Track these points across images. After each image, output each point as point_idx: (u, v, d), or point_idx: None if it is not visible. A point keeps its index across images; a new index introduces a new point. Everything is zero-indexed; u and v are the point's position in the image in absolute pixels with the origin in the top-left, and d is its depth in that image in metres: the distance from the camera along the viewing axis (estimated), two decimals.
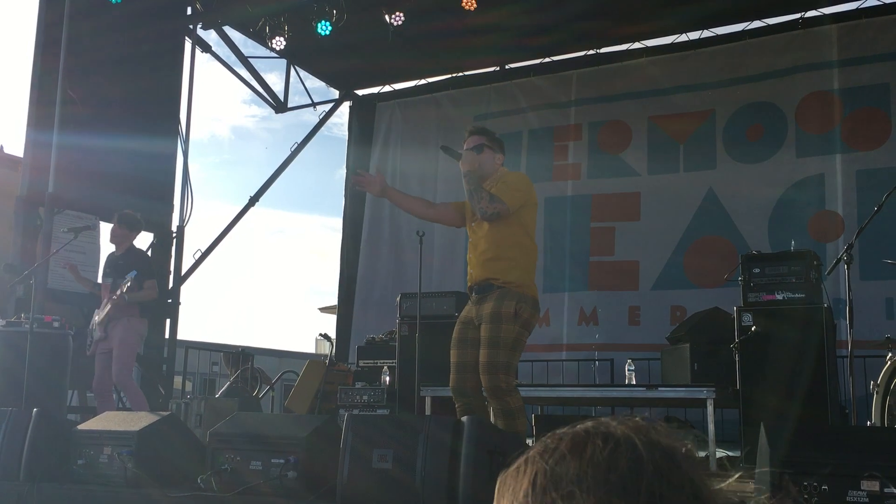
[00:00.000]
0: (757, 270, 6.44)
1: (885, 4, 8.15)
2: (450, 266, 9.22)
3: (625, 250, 8.88)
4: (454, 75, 10.25)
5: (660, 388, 6.60)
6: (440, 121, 10.12)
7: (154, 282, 6.26)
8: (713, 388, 6.18)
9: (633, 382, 6.95)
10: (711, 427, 6.16)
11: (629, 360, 7.17)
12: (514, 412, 4.18)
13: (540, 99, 9.69)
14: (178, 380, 11.60)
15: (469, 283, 4.41)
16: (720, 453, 6.54)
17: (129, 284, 5.82)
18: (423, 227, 6.09)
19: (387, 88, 10.80)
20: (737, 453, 6.25)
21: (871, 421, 4.49)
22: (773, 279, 6.40)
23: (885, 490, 3.06)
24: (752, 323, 6.31)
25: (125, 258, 6.25)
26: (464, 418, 3.67)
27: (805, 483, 3.09)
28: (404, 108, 10.61)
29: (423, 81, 10.49)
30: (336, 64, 10.06)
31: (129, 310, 6.09)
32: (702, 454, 6.57)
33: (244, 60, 9.79)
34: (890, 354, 4.43)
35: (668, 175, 8.86)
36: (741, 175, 8.46)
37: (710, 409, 6.17)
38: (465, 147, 4.47)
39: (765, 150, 8.41)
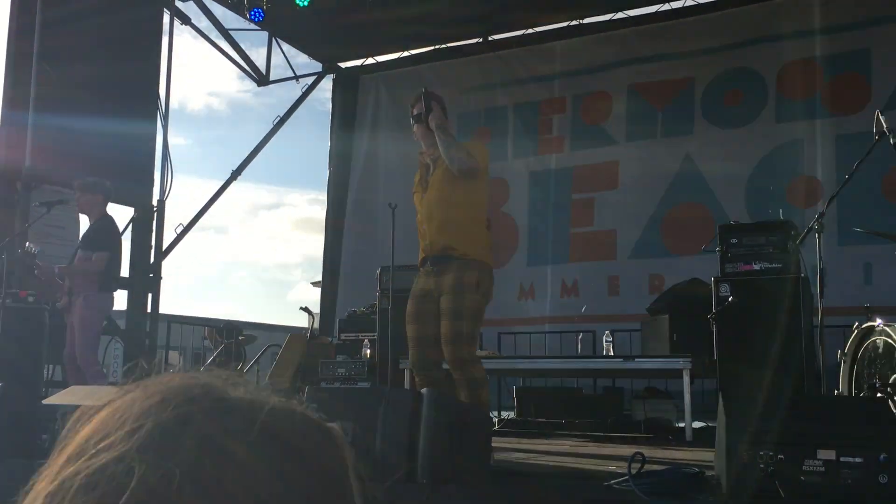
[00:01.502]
0: (734, 241, 6.42)
1: None
2: None
3: (603, 220, 8.88)
4: (437, 47, 10.15)
5: (637, 359, 6.63)
6: None
7: (104, 254, 6.03)
8: (689, 359, 6.20)
9: (611, 354, 6.97)
10: (687, 397, 6.19)
11: (607, 332, 7.18)
12: (477, 382, 4.19)
13: (524, 72, 9.63)
14: (174, 354, 11.64)
15: (424, 255, 4.37)
16: (698, 424, 6.57)
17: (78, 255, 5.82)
18: (396, 198, 6.04)
19: (370, 61, 10.70)
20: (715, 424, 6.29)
21: (838, 390, 4.48)
22: (750, 249, 6.38)
23: (842, 459, 3.07)
24: (729, 293, 6.29)
25: (94, 229, 6.20)
26: (424, 390, 3.67)
27: (761, 452, 3.09)
28: (388, 81, 10.52)
29: (405, 53, 10.39)
30: (318, 36, 9.97)
31: (86, 284, 6.01)
32: (680, 424, 6.61)
33: (224, 32, 9.69)
34: (857, 323, 4.41)
35: (645, 141, 8.83)
36: (718, 140, 8.43)
37: (686, 379, 6.20)
38: (418, 111, 4.43)
39: (743, 115, 8.38)
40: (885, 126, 4.49)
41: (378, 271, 7.62)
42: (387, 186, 9.79)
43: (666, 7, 8.92)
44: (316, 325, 9.80)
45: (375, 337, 7.36)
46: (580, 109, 9.28)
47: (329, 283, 10.49)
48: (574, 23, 9.41)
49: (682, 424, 6.41)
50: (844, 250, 7.35)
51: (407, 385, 6.72)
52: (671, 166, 8.59)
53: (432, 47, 10.20)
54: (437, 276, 4.26)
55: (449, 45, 10.13)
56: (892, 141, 4.49)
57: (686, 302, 6.95)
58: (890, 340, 4.09)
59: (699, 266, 7.09)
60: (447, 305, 4.16)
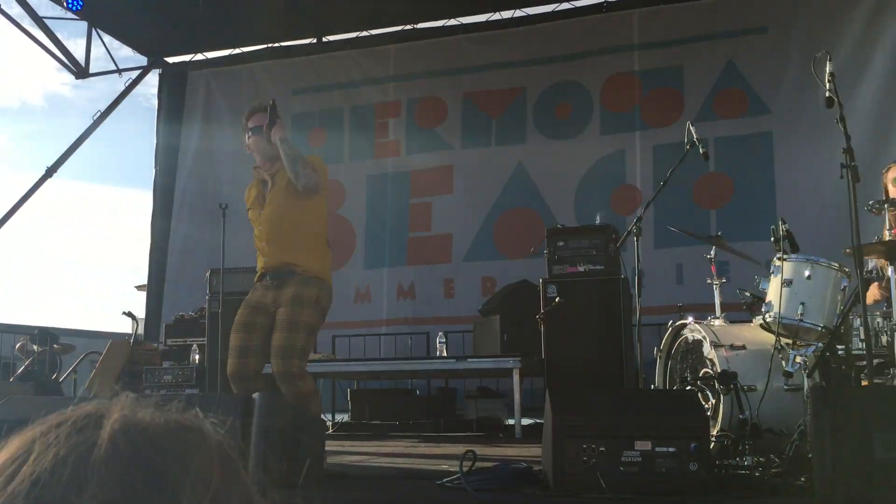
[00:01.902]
0: (561, 243, 6.70)
1: None
2: None
3: (440, 224, 9.00)
4: (271, 45, 9.95)
5: (469, 360, 6.77)
6: (257, 94, 9.83)
7: None
8: (519, 358, 6.40)
9: (445, 354, 7.08)
10: (517, 396, 6.38)
11: (440, 333, 7.29)
12: (306, 396, 4.13)
13: (359, 74, 9.61)
14: None
15: (263, 269, 4.29)
16: (527, 421, 6.79)
17: None
18: (227, 198, 5.86)
19: (199, 57, 10.34)
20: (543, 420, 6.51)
21: (654, 384, 4.76)
22: (575, 252, 6.68)
23: (657, 449, 3.25)
24: (556, 294, 6.56)
25: None
26: (255, 395, 3.58)
27: (584, 445, 3.22)
28: (218, 78, 10.21)
29: (237, 51, 10.12)
30: (143, 29, 9.53)
31: None
32: (510, 422, 6.81)
33: (38, 20, 9.07)
34: (672, 321, 4.70)
35: (480, 149, 9.04)
36: (550, 151, 8.75)
37: (516, 378, 6.39)
38: (257, 123, 4.33)
39: (572, 127, 8.74)
40: (695, 136, 4.81)
41: (208, 274, 7.38)
42: (218, 186, 9.49)
43: (496, 17, 9.17)
44: (140, 330, 9.38)
45: (205, 342, 7.12)
46: (415, 114, 9.38)
47: (154, 287, 10.04)
48: (409, 27, 9.49)
49: (511, 422, 6.60)
50: (659, 253, 7.82)
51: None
52: (504, 173, 8.84)
53: (265, 45, 9.98)
54: (277, 289, 4.19)
55: (282, 44, 9.96)
56: (701, 150, 4.82)
57: (516, 303, 7.17)
58: (699, 337, 4.37)
59: (530, 269, 7.33)
60: (284, 317, 4.09)
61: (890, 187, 4.58)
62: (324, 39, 9.84)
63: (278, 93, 9.67)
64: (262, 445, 3.39)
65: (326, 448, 4.31)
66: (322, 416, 4.54)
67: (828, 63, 3.88)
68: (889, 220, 4.09)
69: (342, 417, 7.52)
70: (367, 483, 3.66)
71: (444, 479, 3.47)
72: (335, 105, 9.65)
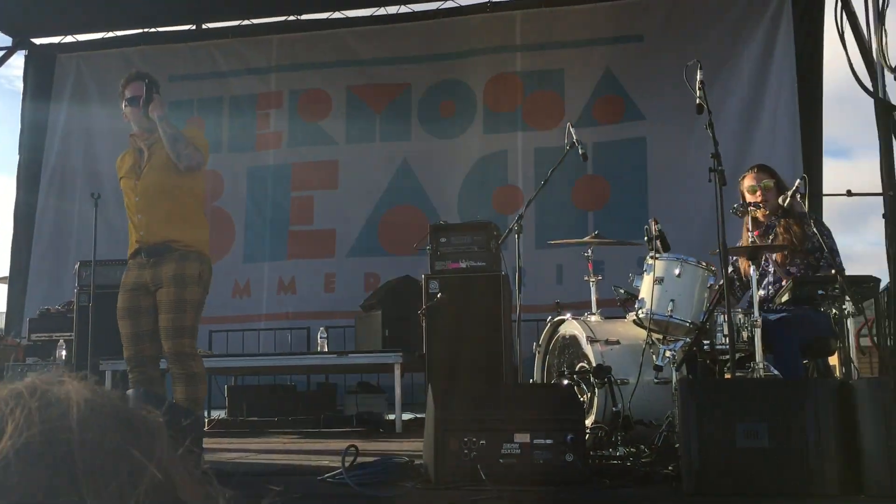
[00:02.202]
0: (444, 240, 6.77)
1: None
2: None
3: (323, 219, 8.91)
4: (146, 30, 9.58)
5: (350, 355, 6.75)
6: None
7: None
8: (400, 353, 6.43)
9: (326, 350, 7.03)
10: (398, 391, 6.41)
11: (322, 328, 7.24)
12: (196, 377, 4.06)
13: (240, 63, 9.38)
14: None
15: (138, 245, 4.15)
16: (408, 416, 6.83)
17: None
18: (99, 187, 5.62)
19: (69, 39, 9.84)
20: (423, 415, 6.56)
21: (533, 378, 4.88)
22: (458, 248, 6.75)
23: (535, 441, 3.34)
24: (438, 290, 6.62)
25: None
26: (129, 390, 3.48)
27: (465, 439, 3.28)
28: (89, 62, 9.75)
29: (110, 34, 9.69)
30: (6, 7, 9.00)
31: None
32: (390, 417, 6.83)
33: None
34: (550, 317, 4.84)
35: (365, 144, 9.00)
36: (434, 148, 8.80)
37: (397, 373, 6.41)
38: (133, 93, 4.19)
39: (456, 126, 8.81)
40: (574, 138, 4.96)
41: (77, 266, 7.06)
42: (88, 175, 9.08)
43: (382, 11, 9.15)
44: (1, 324, 8.89)
45: (73, 337, 6.82)
46: (298, 106, 9.24)
47: (17, 279, 9.50)
48: (292, 18, 9.35)
49: (392, 417, 6.63)
50: (540, 253, 8.01)
51: (109, 386, 6.30)
52: (389, 169, 8.83)
53: (141, 30, 9.61)
54: (154, 267, 4.06)
55: (159, 29, 9.61)
56: (580, 151, 4.97)
57: (398, 298, 7.20)
58: (576, 332, 4.51)
59: (414, 266, 7.37)
60: (168, 298, 3.98)
61: (746, 194, 4.85)
62: (203, 26, 9.56)
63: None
64: None
65: (204, 446, 4.22)
66: (203, 411, 4.44)
67: (698, 71, 4.09)
68: (750, 222, 4.33)
69: (218, 414, 7.35)
70: (247, 480, 3.60)
71: (326, 475, 3.45)
72: (214, 94, 9.39)
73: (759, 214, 4.58)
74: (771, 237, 4.65)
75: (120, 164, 4.35)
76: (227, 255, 8.89)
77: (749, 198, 4.79)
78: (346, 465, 3.30)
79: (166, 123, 4.09)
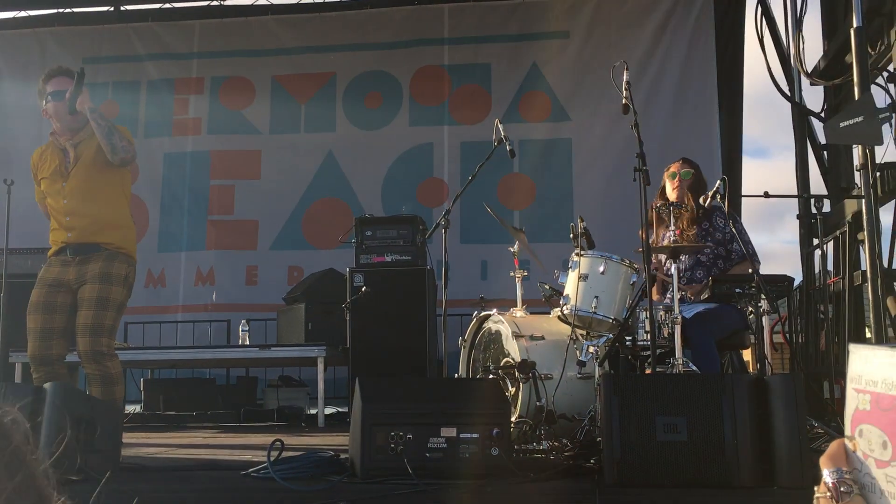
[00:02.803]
0: (369, 233, 6.75)
1: None
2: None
3: (244, 209, 8.75)
4: (61, 11, 9.23)
5: (273, 348, 6.67)
6: (46, 61, 9.11)
7: None
8: (323, 347, 6.39)
9: (248, 343, 6.93)
10: (321, 385, 6.37)
11: (243, 321, 7.13)
12: (113, 378, 3.97)
13: (159, 47, 9.12)
14: None
15: (63, 243, 4.04)
16: (330, 410, 6.79)
17: None
18: (12, 173, 5.39)
19: None
20: (345, 409, 6.53)
21: (458, 373, 4.90)
22: (383, 242, 6.75)
23: (461, 435, 3.36)
24: (363, 283, 6.59)
25: None
26: (47, 385, 3.36)
27: (392, 433, 3.28)
28: (1, 42, 9.35)
29: (22, 14, 9.31)
30: None
31: None
32: (312, 411, 6.78)
33: None
34: (476, 312, 4.87)
35: (289, 135, 8.87)
36: (359, 140, 8.73)
37: (320, 367, 6.37)
38: (57, 87, 4.06)
39: (381, 117, 8.76)
40: (502, 134, 5.00)
41: None
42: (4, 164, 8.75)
43: (307, 0, 9.04)
44: None
45: None
46: (220, 93, 9.04)
47: None
48: (215, 3, 9.15)
49: (314, 411, 6.58)
50: (465, 248, 8.05)
51: (19, 380, 6.08)
52: (314, 161, 8.72)
53: (55, 10, 9.25)
54: (80, 265, 3.97)
55: (75, 10, 9.27)
56: (508, 148, 5.02)
57: (322, 292, 7.14)
58: (501, 328, 4.55)
59: (339, 259, 7.31)
60: (91, 295, 3.89)
61: (666, 182, 4.99)
62: (122, 8, 9.26)
63: (67, 60, 8.99)
64: (55, 437, 3.18)
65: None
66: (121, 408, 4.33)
67: (625, 72, 4.17)
68: (672, 222, 4.44)
69: (134, 408, 7.16)
70: (168, 475, 3.52)
71: (251, 469, 3.40)
72: (130, 78, 9.10)
73: (683, 214, 4.71)
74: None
75: (38, 162, 4.21)
76: (140, 243, 8.61)
77: (669, 184, 4.94)
78: (272, 459, 3.26)
79: (98, 115, 3.99)
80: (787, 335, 6.37)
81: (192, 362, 7.35)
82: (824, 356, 6.12)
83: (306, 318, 7.01)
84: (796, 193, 7.28)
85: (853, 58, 5.08)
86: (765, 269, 4.56)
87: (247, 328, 6.99)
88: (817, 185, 7.23)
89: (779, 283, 4.17)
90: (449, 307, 5.13)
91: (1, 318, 5.28)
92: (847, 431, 0.76)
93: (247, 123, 8.95)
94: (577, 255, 4.36)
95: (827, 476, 0.78)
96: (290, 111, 8.87)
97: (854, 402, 0.75)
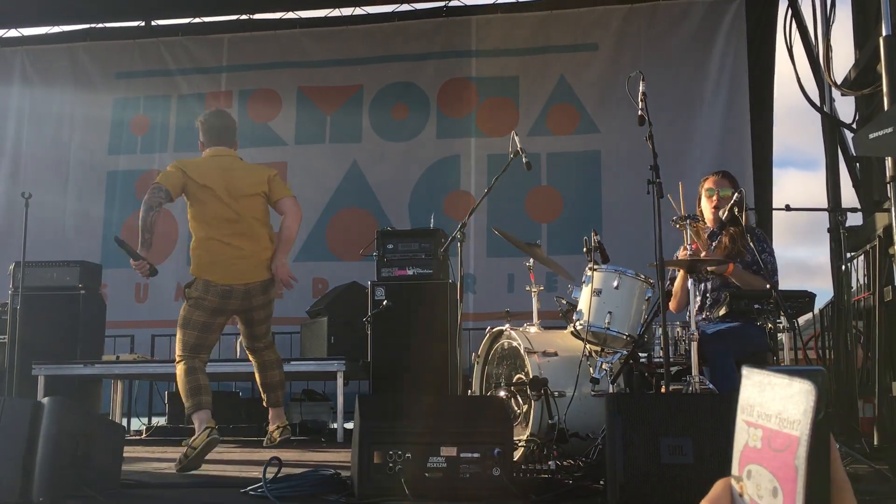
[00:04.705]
0: (391, 246, 6.70)
1: (515, 2, 8.79)
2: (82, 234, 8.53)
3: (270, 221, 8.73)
4: (93, 26, 9.37)
5: (292, 362, 6.61)
6: (77, 75, 9.27)
7: None
8: (343, 361, 6.32)
9: None
10: (340, 398, 6.30)
11: None
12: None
13: (189, 62, 9.21)
14: None
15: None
16: (351, 425, 6.71)
17: None
18: (30, 187, 5.45)
19: (12, 33, 9.59)
20: None
21: (471, 389, 4.80)
22: (405, 255, 6.69)
23: (462, 455, 3.27)
24: (384, 297, 6.54)
25: None
26: (44, 399, 3.36)
27: (391, 452, 3.20)
28: (34, 56, 9.51)
29: (56, 29, 9.47)
30: None
31: None
32: (333, 426, 6.71)
33: None
34: (489, 327, 4.76)
35: (314, 145, 8.88)
36: (385, 151, 8.70)
37: (339, 381, 6.31)
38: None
39: (408, 129, 8.72)
40: (518, 146, 4.90)
41: (12, 266, 6.86)
42: (25, 174, 8.89)
43: (336, 13, 9.05)
44: None
45: (5, 340, 6.61)
46: (247, 106, 9.09)
47: None
48: (244, 17, 9.21)
49: (335, 426, 6.51)
50: (492, 261, 7.95)
51: (42, 394, 6.11)
52: (338, 172, 8.70)
53: (87, 25, 9.40)
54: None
55: (107, 25, 9.41)
56: (524, 160, 4.91)
57: (344, 305, 7.10)
58: (514, 343, 4.45)
59: (363, 272, 7.26)
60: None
61: (702, 196, 4.82)
62: (153, 23, 9.38)
63: (100, 74, 9.17)
64: (51, 454, 3.16)
65: (134, 455, 4.09)
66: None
67: (641, 83, 4.06)
68: (690, 235, 4.31)
69: (158, 421, 7.18)
70: (166, 493, 3.49)
71: (248, 488, 3.35)
72: (161, 93, 9.20)
73: (699, 227, 4.56)
74: (714, 244, 4.62)
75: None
76: (170, 256, 8.69)
77: (704, 200, 4.77)
78: (269, 477, 3.21)
79: (140, 229, 4.89)
80: (819, 352, 6.17)
81: (217, 375, 7.32)
82: (860, 373, 5.90)
83: (329, 332, 6.97)
84: (815, 207, 7.07)
85: (882, 67, 4.89)
86: (806, 285, 4.39)
87: None
88: (852, 198, 7.01)
89: (799, 300, 4.01)
90: (475, 320, 5.05)
91: (17, 329, 5.31)
92: (734, 471, 0.64)
93: (273, 135, 8.98)
94: (590, 269, 4.25)
95: None
96: (315, 121, 8.88)
97: (744, 436, 0.63)
